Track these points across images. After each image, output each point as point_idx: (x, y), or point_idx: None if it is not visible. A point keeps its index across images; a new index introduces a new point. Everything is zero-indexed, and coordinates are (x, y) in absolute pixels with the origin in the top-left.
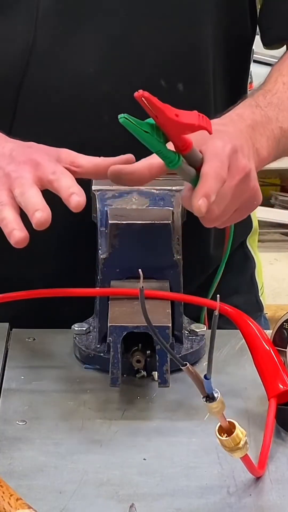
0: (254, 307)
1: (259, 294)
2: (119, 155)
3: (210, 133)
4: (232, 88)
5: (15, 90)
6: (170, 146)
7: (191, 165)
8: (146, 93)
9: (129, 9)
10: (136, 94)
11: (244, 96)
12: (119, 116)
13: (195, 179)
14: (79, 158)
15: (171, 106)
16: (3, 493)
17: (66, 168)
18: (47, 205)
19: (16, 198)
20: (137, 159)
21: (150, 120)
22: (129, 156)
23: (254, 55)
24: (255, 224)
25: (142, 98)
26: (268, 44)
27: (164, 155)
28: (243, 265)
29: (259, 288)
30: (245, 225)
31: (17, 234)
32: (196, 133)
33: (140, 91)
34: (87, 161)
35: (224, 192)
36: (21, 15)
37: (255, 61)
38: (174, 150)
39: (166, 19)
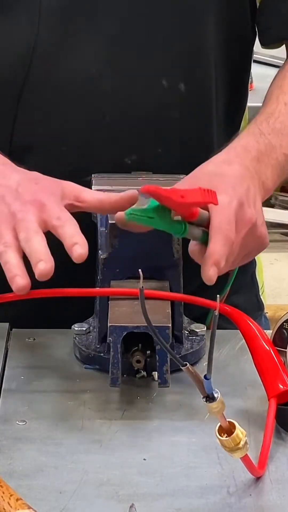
0: (255, 306)
1: (260, 293)
2: (120, 155)
3: (215, 204)
4: (233, 89)
5: (18, 90)
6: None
7: (198, 225)
8: (152, 188)
9: (131, 9)
10: (142, 190)
11: (245, 94)
12: (125, 214)
13: (203, 237)
14: (84, 193)
15: (172, 106)
16: (3, 493)
17: (70, 204)
18: (51, 256)
19: (20, 242)
20: (137, 159)
21: (153, 202)
22: (133, 193)
23: (254, 55)
24: None
25: (148, 194)
26: (266, 43)
27: (171, 230)
28: (244, 264)
29: (260, 287)
30: None
31: (19, 281)
32: (201, 180)
33: (145, 187)
34: (91, 197)
35: (232, 250)
36: (23, 15)
37: (255, 61)
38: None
39: (167, 19)
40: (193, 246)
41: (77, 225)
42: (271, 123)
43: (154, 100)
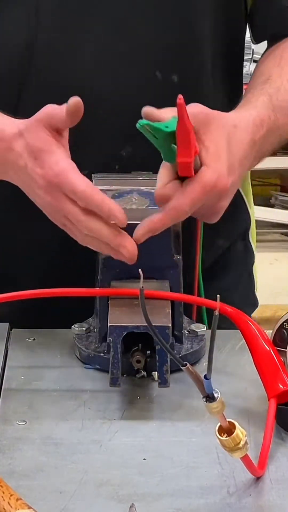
0: (250, 303)
1: (255, 290)
2: (115, 147)
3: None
4: (229, 82)
5: (18, 86)
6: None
7: None
8: (184, 109)
9: (125, 2)
10: (178, 100)
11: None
12: (138, 122)
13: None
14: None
15: (166, 97)
16: (3, 493)
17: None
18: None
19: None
20: (133, 151)
21: (168, 127)
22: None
23: (254, 55)
24: (252, 217)
25: (179, 107)
26: (260, 40)
27: (164, 154)
28: (244, 258)
29: (255, 283)
30: (244, 217)
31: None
32: (213, 131)
33: (181, 100)
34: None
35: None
36: (21, 11)
37: (254, 61)
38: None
39: (162, 11)
40: (163, 189)
41: (101, 193)
42: (279, 99)
43: (148, 91)
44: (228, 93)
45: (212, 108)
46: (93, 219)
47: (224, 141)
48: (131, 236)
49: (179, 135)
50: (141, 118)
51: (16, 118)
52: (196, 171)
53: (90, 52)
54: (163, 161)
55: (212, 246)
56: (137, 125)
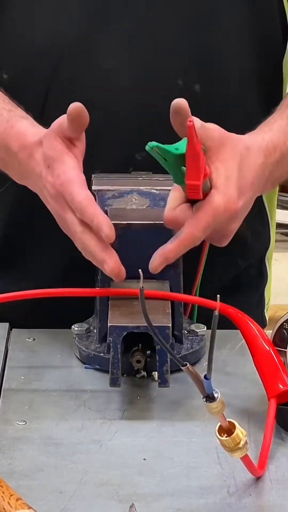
0: (259, 324)
1: (265, 310)
2: (130, 150)
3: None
4: (266, 98)
5: (46, 85)
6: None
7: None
8: (193, 130)
9: (148, 9)
10: (188, 122)
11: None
12: (148, 144)
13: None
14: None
15: (188, 106)
16: (3, 493)
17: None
18: (105, 252)
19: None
20: (147, 155)
21: (178, 150)
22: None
23: None
24: (273, 239)
25: (188, 129)
26: None
27: (174, 176)
28: (257, 282)
29: (266, 303)
30: (264, 241)
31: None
32: (226, 154)
33: (191, 122)
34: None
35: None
36: (49, 11)
37: None
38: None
39: (184, 20)
40: (172, 212)
41: (95, 206)
42: None
43: (168, 98)
44: (265, 109)
45: (241, 123)
46: (86, 232)
47: (235, 163)
48: (134, 234)
49: (188, 157)
50: (157, 123)
51: (43, 114)
52: (206, 194)
53: (111, 56)
54: (174, 184)
55: (227, 266)
56: (147, 147)
